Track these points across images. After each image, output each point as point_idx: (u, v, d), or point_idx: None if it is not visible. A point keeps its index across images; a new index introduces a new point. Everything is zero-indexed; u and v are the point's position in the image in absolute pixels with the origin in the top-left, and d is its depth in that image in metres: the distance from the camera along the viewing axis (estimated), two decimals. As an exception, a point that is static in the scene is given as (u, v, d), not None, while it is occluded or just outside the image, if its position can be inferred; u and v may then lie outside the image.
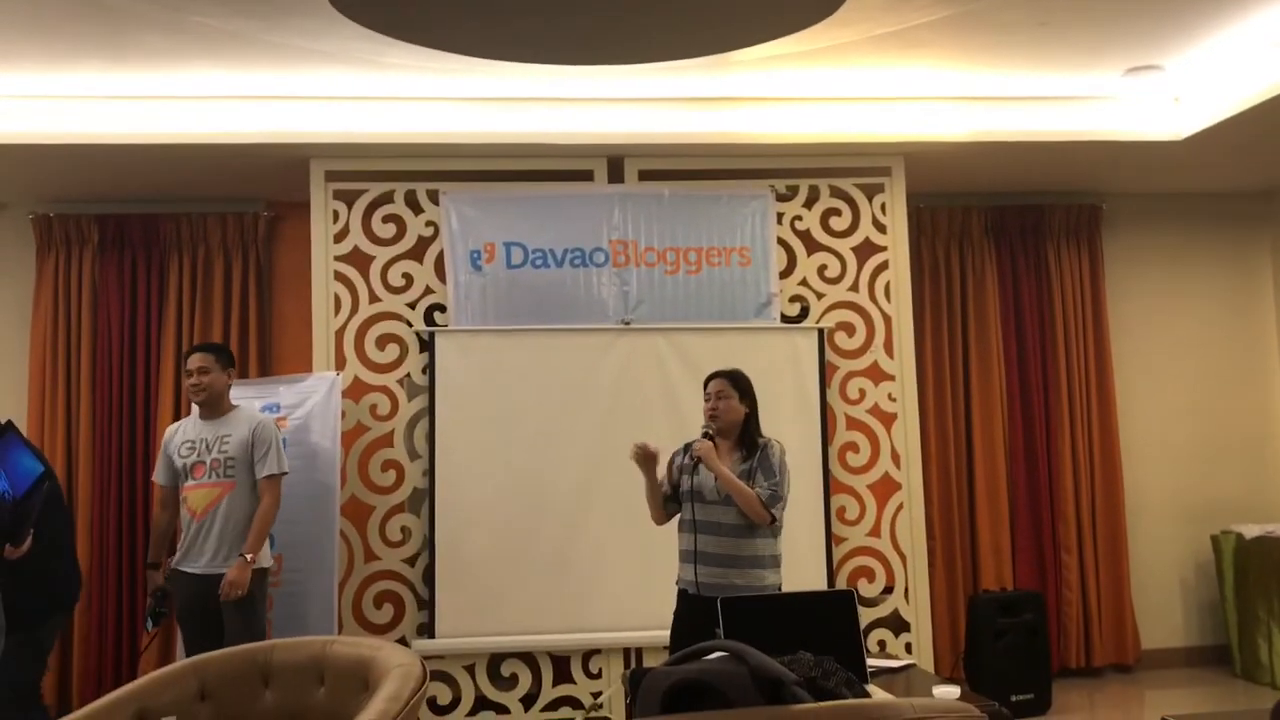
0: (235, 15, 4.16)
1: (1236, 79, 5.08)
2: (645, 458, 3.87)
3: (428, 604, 5.17)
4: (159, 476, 4.54)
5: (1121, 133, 5.52)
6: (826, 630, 3.05)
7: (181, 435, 4.46)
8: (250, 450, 4.36)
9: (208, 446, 4.37)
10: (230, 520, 4.30)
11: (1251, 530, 5.96)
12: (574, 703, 5.18)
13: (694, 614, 3.70)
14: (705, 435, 3.85)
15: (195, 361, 4.44)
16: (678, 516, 3.93)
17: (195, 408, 4.50)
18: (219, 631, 4.16)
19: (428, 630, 5.14)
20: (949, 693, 3.07)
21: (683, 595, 3.86)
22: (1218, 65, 5.07)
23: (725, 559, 3.74)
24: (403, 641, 5.11)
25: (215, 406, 4.45)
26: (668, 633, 3.90)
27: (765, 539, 3.78)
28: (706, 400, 3.90)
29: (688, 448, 3.91)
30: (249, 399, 5.06)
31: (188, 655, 3.97)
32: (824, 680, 2.37)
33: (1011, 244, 6.35)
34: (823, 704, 2.18)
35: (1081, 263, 6.38)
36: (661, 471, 3.94)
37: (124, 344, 5.80)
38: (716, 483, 3.76)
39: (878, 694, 2.90)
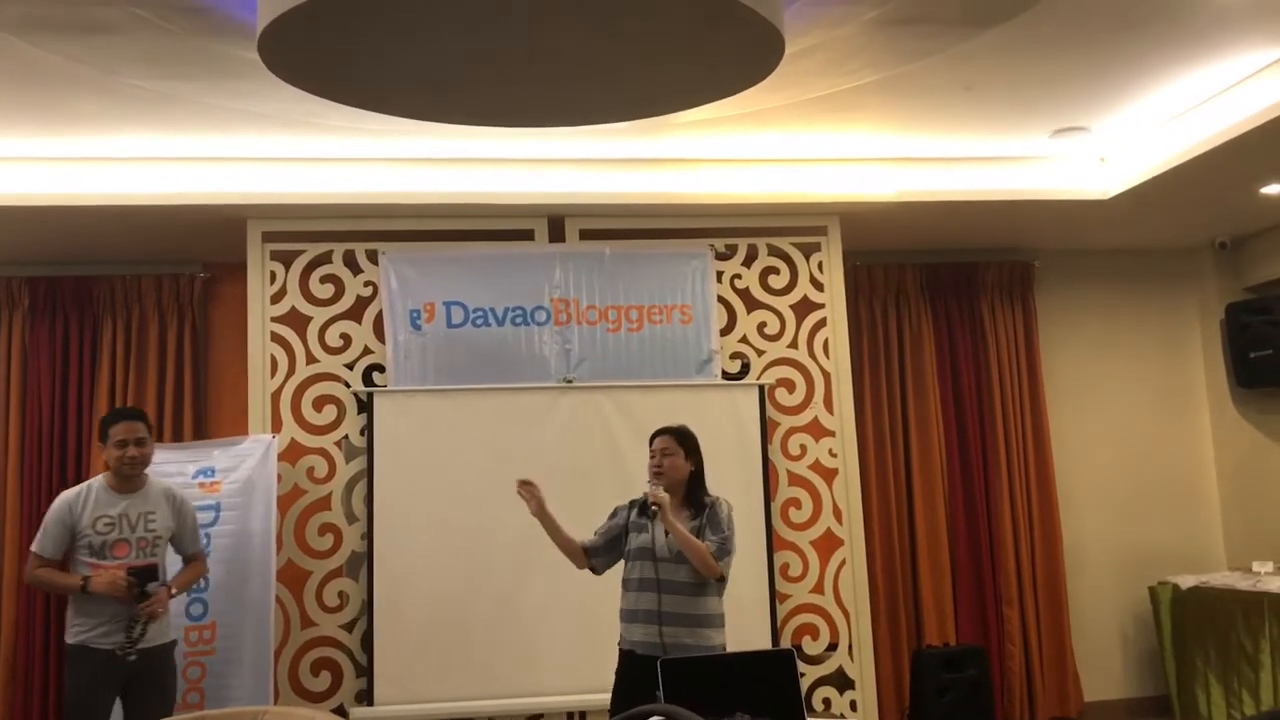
0: (169, 78, 4.14)
1: (1159, 140, 5.24)
2: (530, 494, 3.86)
3: (366, 670, 5.07)
4: (48, 549, 3.97)
5: (1050, 191, 5.66)
6: (766, 691, 3.03)
7: (95, 509, 3.99)
8: (179, 529, 4.17)
9: (130, 524, 4.02)
10: None
11: (1187, 580, 6.03)
12: (517, 770, 5.10)
13: (636, 675, 3.64)
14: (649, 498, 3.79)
15: (134, 431, 4.04)
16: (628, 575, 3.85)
17: (100, 478, 4.11)
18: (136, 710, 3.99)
19: (366, 697, 5.03)
20: (890, 751, 3.06)
21: (627, 656, 3.78)
22: (1141, 127, 5.23)
23: (678, 618, 3.69)
24: (340, 710, 5.01)
25: (137, 479, 4.11)
26: (611, 695, 3.82)
27: (715, 598, 3.74)
28: (652, 457, 3.87)
29: (634, 504, 3.88)
30: (183, 463, 4.99)
31: None
32: (761, 743, 2.35)
33: (946, 301, 6.46)
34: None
35: (1015, 318, 6.49)
36: (555, 508, 3.91)
37: (55, 409, 5.67)
38: (669, 538, 3.71)
39: (818, 755, 2.89)
